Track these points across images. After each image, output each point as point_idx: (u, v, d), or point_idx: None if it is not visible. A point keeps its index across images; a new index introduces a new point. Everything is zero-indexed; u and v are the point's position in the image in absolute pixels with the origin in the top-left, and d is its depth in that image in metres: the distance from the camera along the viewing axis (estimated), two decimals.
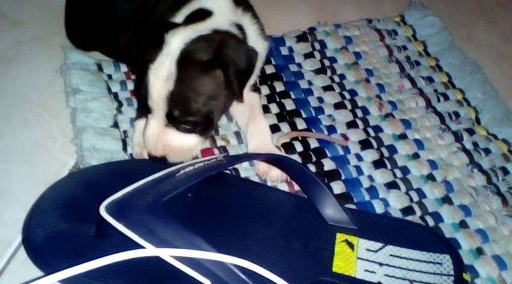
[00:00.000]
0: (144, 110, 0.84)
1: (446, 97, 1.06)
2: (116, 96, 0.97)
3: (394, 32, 1.17)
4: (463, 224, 0.88)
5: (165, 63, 0.78)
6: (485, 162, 0.97)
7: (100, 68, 1.01)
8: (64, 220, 0.75)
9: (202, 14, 0.85)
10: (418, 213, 0.88)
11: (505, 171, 0.96)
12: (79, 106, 0.93)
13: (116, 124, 0.93)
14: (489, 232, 0.87)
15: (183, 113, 0.80)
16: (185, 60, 0.78)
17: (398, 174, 0.93)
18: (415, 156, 0.96)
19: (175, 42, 0.79)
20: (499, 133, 1.02)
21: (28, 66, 1.03)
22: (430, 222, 0.87)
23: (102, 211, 0.67)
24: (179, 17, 0.86)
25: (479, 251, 0.85)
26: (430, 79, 1.09)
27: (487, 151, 0.98)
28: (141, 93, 0.82)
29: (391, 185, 0.91)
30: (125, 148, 0.90)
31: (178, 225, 0.67)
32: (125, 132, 0.92)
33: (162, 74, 0.78)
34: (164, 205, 0.69)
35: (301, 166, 0.85)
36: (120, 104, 0.95)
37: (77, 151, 0.90)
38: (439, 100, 1.05)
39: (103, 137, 0.90)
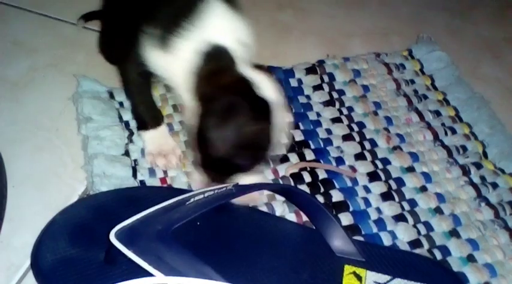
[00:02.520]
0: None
1: (454, 131, 1.07)
2: (127, 124, 0.98)
3: (402, 65, 1.18)
4: (470, 259, 0.88)
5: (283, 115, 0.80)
6: (492, 196, 0.97)
7: (112, 95, 1.02)
8: (73, 246, 0.75)
9: None
10: (426, 246, 0.88)
11: None
12: (91, 134, 0.94)
13: (127, 153, 0.94)
14: (497, 267, 0.87)
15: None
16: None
17: (406, 206, 0.93)
18: (423, 188, 0.96)
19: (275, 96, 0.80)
20: (506, 168, 1.02)
21: (41, 92, 1.05)
22: (438, 255, 0.87)
23: (112, 237, 0.67)
24: None
25: None
26: (437, 113, 1.10)
27: (495, 186, 0.99)
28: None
29: (399, 218, 0.91)
30: (134, 175, 0.91)
31: (187, 253, 0.67)
32: (135, 160, 0.93)
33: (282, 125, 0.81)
34: (174, 233, 0.69)
35: (310, 196, 0.85)
36: (131, 133, 0.97)
37: (87, 177, 0.90)
38: (446, 134, 1.06)
39: (113, 163, 0.90)
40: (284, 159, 0.97)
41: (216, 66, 0.78)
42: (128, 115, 0.99)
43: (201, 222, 0.81)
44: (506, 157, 1.03)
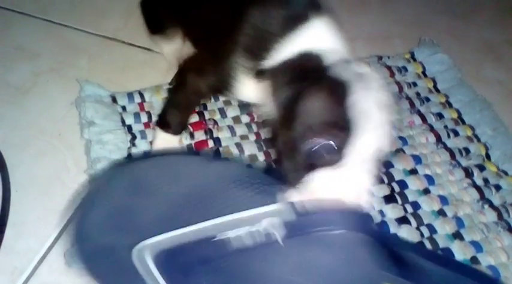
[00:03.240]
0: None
1: (456, 134, 1.07)
2: (129, 128, 0.98)
3: (404, 68, 1.18)
4: (474, 261, 0.87)
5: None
6: (496, 198, 0.97)
7: (114, 99, 1.03)
8: (111, 232, 0.71)
9: None
10: (429, 248, 0.88)
11: None
12: (94, 138, 0.94)
13: (129, 157, 0.94)
14: (501, 269, 0.87)
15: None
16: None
17: (409, 209, 0.93)
18: (426, 191, 0.96)
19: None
20: (509, 170, 1.02)
21: (44, 97, 1.05)
22: None
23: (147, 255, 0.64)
24: None
25: None
26: (440, 116, 1.10)
27: (498, 188, 0.99)
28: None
29: (402, 220, 0.91)
30: None
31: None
32: None
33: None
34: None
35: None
36: (134, 137, 0.97)
37: (90, 181, 0.90)
38: (449, 136, 1.06)
39: None
40: None
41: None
42: (130, 119, 1.00)
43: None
44: (509, 159, 1.03)
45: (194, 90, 0.89)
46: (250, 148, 0.98)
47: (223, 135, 1.00)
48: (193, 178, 0.71)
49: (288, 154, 0.73)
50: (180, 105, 0.93)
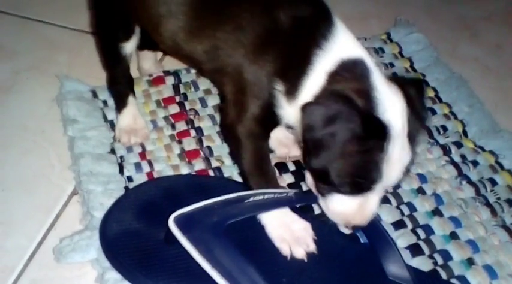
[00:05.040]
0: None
1: (434, 112, 1.09)
2: (112, 124, 1.00)
3: (381, 49, 1.20)
4: (453, 236, 0.90)
5: (404, 144, 0.72)
6: (473, 174, 0.99)
7: (95, 94, 1.04)
8: (139, 220, 0.82)
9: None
10: (410, 226, 0.90)
11: (493, 182, 0.98)
12: (77, 135, 0.96)
13: (112, 151, 0.96)
14: (479, 243, 0.89)
15: (406, 174, 0.76)
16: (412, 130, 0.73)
17: (389, 188, 0.95)
18: None
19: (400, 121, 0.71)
20: (486, 145, 1.04)
21: (25, 95, 1.06)
22: (422, 235, 0.89)
23: (171, 221, 0.71)
24: None
25: (470, 262, 0.87)
26: None
27: (475, 163, 1.01)
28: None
29: (382, 200, 0.92)
30: (121, 172, 0.93)
31: (235, 251, 0.71)
32: (121, 157, 0.95)
33: (401, 156, 0.72)
34: (229, 227, 0.73)
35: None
36: None
37: (75, 177, 0.92)
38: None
39: (100, 162, 0.92)
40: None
41: (348, 75, 0.73)
42: (112, 115, 1.01)
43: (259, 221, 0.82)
44: (486, 135, 1.05)
45: (252, 139, 0.83)
46: None
47: (205, 124, 1.02)
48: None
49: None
50: (255, 162, 0.84)
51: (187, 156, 0.96)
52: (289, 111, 0.78)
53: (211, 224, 0.72)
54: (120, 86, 0.99)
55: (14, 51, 1.14)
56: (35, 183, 0.93)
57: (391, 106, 0.70)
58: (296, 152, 0.95)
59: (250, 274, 0.69)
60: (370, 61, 0.75)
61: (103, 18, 0.96)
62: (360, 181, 0.72)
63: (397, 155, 0.70)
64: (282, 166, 0.96)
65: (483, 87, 1.17)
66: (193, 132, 1.00)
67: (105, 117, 1.01)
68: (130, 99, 0.99)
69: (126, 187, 0.90)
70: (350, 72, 0.73)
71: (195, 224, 0.72)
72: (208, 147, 0.98)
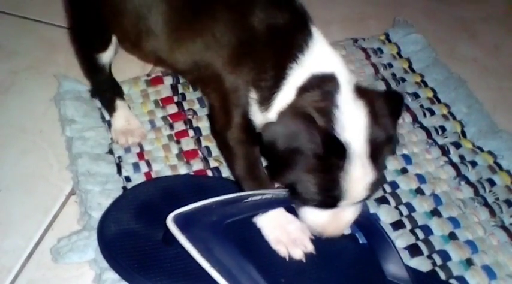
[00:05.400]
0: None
1: (432, 112, 1.09)
2: (109, 124, 1.00)
3: (380, 50, 1.20)
4: (452, 236, 0.90)
5: (364, 163, 0.70)
6: (472, 174, 0.99)
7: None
8: (137, 221, 0.81)
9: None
10: (408, 226, 0.90)
11: (491, 182, 0.98)
12: (75, 135, 0.95)
13: (110, 151, 0.95)
14: (478, 243, 0.89)
15: (372, 193, 0.75)
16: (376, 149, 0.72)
17: (388, 189, 0.95)
18: (404, 170, 0.98)
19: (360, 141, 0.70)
20: (484, 146, 1.04)
21: (23, 95, 1.06)
22: (420, 235, 0.89)
23: (169, 221, 0.71)
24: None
25: (469, 262, 0.87)
26: (415, 95, 1.12)
27: (474, 164, 1.01)
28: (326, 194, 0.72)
29: (381, 200, 0.93)
30: (119, 172, 0.93)
31: (234, 250, 0.71)
32: (119, 157, 0.95)
33: (363, 174, 0.70)
34: (227, 226, 0.73)
35: (370, 217, 0.87)
36: None
37: (73, 177, 0.92)
38: (425, 115, 1.08)
39: (97, 162, 0.92)
40: None
41: (317, 91, 0.73)
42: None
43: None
44: (484, 135, 1.05)
45: (242, 145, 0.83)
46: None
47: (203, 124, 1.01)
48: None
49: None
50: (247, 167, 0.84)
51: (186, 156, 0.96)
52: (260, 120, 0.78)
53: (210, 223, 0.72)
54: (106, 93, 1.00)
55: (12, 51, 1.14)
56: (32, 183, 0.92)
57: (352, 126, 0.69)
58: None
59: (249, 272, 0.69)
60: (342, 76, 0.74)
61: (79, 29, 0.96)
62: (323, 198, 0.72)
63: (357, 174, 0.70)
64: None
65: (482, 87, 1.17)
66: (191, 132, 1.00)
67: (103, 117, 1.01)
68: (118, 102, 0.99)
69: (124, 187, 0.90)
70: (317, 88, 0.72)
71: (194, 224, 0.71)
72: (207, 147, 0.98)
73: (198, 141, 0.99)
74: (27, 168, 0.94)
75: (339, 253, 0.83)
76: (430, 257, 0.87)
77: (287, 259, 0.79)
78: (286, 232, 0.81)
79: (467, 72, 1.20)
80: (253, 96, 0.77)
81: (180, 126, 1.01)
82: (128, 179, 0.92)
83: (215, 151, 0.97)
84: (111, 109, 0.99)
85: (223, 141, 0.84)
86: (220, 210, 0.74)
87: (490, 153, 1.03)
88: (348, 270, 0.81)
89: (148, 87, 1.07)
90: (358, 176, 0.70)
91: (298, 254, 0.80)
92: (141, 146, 0.97)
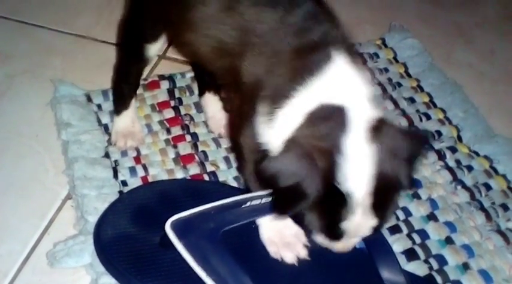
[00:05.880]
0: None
1: (428, 117, 1.09)
2: (106, 128, 1.00)
3: (376, 55, 1.20)
4: (448, 241, 0.90)
5: (366, 212, 0.66)
6: (468, 178, 0.99)
7: (89, 98, 1.04)
8: (133, 225, 0.81)
9: None
10: (405, 230, 0.90)
11: (487, 186, 0.99)
12: (71, 139, 0.95)
13: (107, 155, 0.95)
14: (474, 247, 0.89)
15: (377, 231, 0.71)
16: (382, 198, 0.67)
17: None
18: None
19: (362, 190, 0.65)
20: (480, 150, 1.04)
21: (19, 99, 1.06)
22: (417, 239, 0.89)
23: (167, 227, 0.70)
24: None
25: (465, 266, 0.87)
26: (412, 100, 1.12)
27: (470, 168, 1.01)
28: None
29: None
30: (115, 176, 0.92)
31: (230, 259, 0.71)
32: (115, 161, 0.94)
33: (363, 222, 0.67)
34: (225, 233, 0.73)
35: None
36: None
37: (69, 181, 0.91)
38: (421, 120, 1.08)
39: (94, 166, 0.92)
40: None
41: (319, 128, 0.66)
42: (106, 118, 1.01)
43: (254, 226, 0.82)
44: (480, 140, 1.06)
45: (252, 152, 0.78)
46: (226, 142, 1.00)
47: (200, 130, 1.01)
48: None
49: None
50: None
51: (182, 160, 0.96)
52: (268, 133, 0.73)
53: (208, 230, 0.72)
54: (129, 86, 0.98)
55: (8, 55, 1.14)
56: (29, 188, 0.92)
57: (356, 175, 0.64)
58: None
59: (245, 283, 0.69)
60: (356, 111, 0.66)
61: (134, 18, 0.93)
62: (326, 234, 0.70)
63: (357, 221, 0.66)
64: None
65: (477, 92, 1.17)
66: (188, 137, 1.00)
67: (99, 121, 1.01)
68: (133, 101, 0.98)
69: (120, 192, 0.90)
70: (324, 123, 0.66)
71: (192, 230, 0.71)
72: (203, 152, 0.98)
73: (194, 146, 0.99)
74: (24, 173, 0.94)
75: (336, 257, 0.82)
76: (426, 261, 0.87)
77: (279, 260, 0.79)
78: (281, 235, 0.81)
79: (463, 77, 1.20)
80: (259, 108, 0.72)
81: (177, 130, 1.01)
82: (124, 183, 0.92)
83: (212, 156, 0.97)
84: (122, 106, 0.98)
85: (236, 144, 0.81)
86: (218, 216, 0.74)
87: (486, 157, 1.03)
88: (344, 275, 0.81)
89: (145, 91, 1.07)
90: (358, 222, 0.66)
91: (289, 257, 0.79)
92: (137, 150, 0.97)
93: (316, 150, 0.64)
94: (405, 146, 0.66)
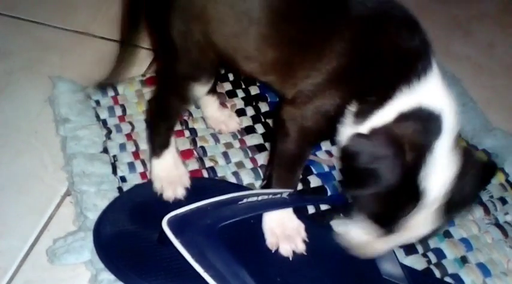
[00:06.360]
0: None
1: None
2: (104, 122, 1.00)
3: None
4: (447, 235, 0.90)
5: (429, 215, 0.68)
6: None
7: (88, 94, 1.03)
8: (133, 221, 0.82)
9: None
10: None
11: None
12: (69, 134, 0.95)
13: (105, 150, 0.95)
14: (473, 241, 0.90)
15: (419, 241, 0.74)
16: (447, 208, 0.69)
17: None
18: None
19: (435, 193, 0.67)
20: (479, 144, 1.04)
21: (18, 96, 1.06)
22: None
23: (164, 223, 0.71)
24: None
25: (463, 260, 0.87)
26: None
27: None
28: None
29: None
30: (114, 172, 0.92)
31: (227, 254, 0.71)
32: (114, 156, 0.94)
33: (422, 223, 0.69)
34: (222, 228, 0.74)
35: None
36: (109, 131, 0.98)
37: (68, 177, 0.92)
38: None
39: (92, 162, 0.92)
40: (261, 148, 0.99)
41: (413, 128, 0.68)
42: (104, 114, 1.01)
43: (253, 221, 0.82)
44: (479, 133, 1.06)
45: (303, 139, 0.79)
46: (225, 137, 1.00)
47: (199, 126, 1.01)
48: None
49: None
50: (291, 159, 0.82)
51: (181, 156, 0.96)
52: (349, 131, 0.73)
53: (205, 226, 0.73)
54: (169, 122, 0.89)
55: (6, 51, 1.13)
56: (28, 184, 0.92)
57: (437, 178, 0.66)
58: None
59: (243, 278, 0.70)
60: (449, 121, 0.68)
61: (182, 59, 0.82)
62: (378, 223, 0.70)
63: (420, 219, 0.67)
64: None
65: (476, 85, 1.17)
66: (187, 133, 1.00)
67: (97, 116, 1.00)
68: (172, 139, 0.90)
69: (119, 188, 0.90)
70: (420, 123, 0.68)
71: (188, 226, 0.72)
72: (202, 147, 0.98)
73: (193, 141, 0.99)
74: (22, 169, 0.94)
75: (334, 251, 0.82)
76: (425, 255, 0.87)
77: (273, 251, 0.80)
78: (282, 227, 0.82)
79: (462, 70, 1.20)
80: (352, 107, 0.73)
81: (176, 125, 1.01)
82: (123, 179, 0.92)
83: (210, 152, 0.98)
84: (162, 145, 0.89)
85: (285, 127, 0.78)
86: (214, 212, 0.75)
87: (484, 151, 1.03)
88: (343, 268, 0.81)
89: (143, 87, 1.07)
90: (419, 221, 0.68)
91: (286, 250, 0.81)
92: (136, 145, 0.97)
93: (408, 142, 0.66)
94: (477, 170, 0.70)
